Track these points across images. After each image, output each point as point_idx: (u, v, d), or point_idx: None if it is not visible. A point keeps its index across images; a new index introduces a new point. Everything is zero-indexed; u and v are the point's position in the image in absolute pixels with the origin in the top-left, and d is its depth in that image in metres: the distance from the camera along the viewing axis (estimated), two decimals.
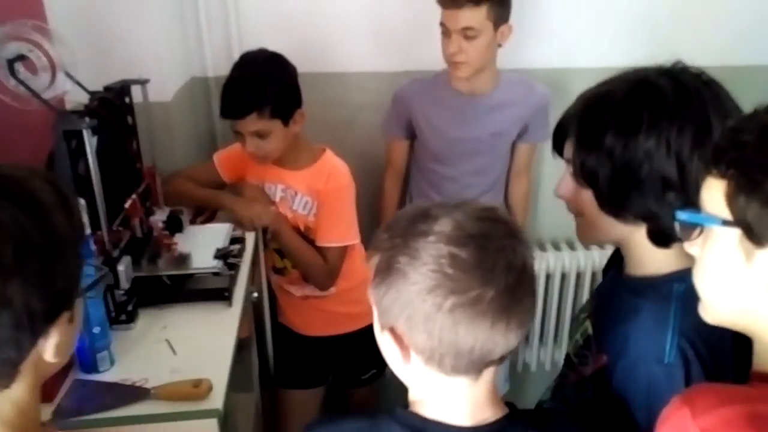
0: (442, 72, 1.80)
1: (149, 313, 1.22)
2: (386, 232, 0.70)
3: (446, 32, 1.65)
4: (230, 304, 1.25)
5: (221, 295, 1.24)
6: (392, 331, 0.68)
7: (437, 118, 1.81)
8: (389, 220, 0.73)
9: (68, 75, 1.16)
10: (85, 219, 0.97)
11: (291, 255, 1.66)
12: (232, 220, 1.56)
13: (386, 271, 0.67)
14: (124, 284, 1.07)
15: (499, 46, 1.70)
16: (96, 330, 1.02)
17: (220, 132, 1.98)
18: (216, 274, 1.26)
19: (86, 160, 1.08)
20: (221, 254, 1.28)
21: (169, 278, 1.25)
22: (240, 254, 1.38)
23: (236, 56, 1.64)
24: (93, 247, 0.99)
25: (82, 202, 0.95)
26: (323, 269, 1.65)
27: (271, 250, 1.70)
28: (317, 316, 1.77)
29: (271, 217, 1.59)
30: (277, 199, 1.67)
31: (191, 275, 1.27)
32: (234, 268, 1.28)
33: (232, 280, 1.27)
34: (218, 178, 1.72)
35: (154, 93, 1.47)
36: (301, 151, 1.65)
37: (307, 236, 1.66)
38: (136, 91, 1.38)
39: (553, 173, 2.08)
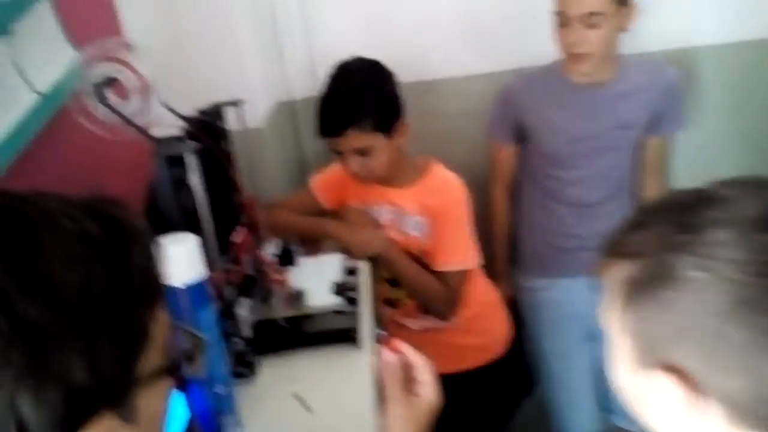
0: (554, 63, 1.60)
1: (269, 362, 1.05)
2: (639, 230, 0.50)
3: (565, 21, 1.45)
4: (358, 346, 1.06)
5: (347, 337, 1.06)
6: (671, 369, 0.47)
7: (554, 116, 1.60)
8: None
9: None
10: (200, 258, 0.81)
11: (406, 284, 1.47)
12: (340, 249, 1.39)
13: (656, 282, 0.46)
14: (246, 331, 0.91)
15: (625, 30, 1.49)
16: (220, 390, 0.85)
17: (310, 157, 1.84)
18: (338, 312, 1.08)
19: (190, 189, 0.93)
20: (340, 289, 1.10)
21: (286, 320, 1.08)
22: (357, 287, 1.20)
23: (321, 75, 1.50)
24: (210, 290, 0.83)
25: (193, 239, 0.80)
26: (444, 297, 1.45)
27: (381, 280, 1.51)
28: (441, 351, 1.54)
29: (381, 243, 1.41)
30: (385, 222, 1.49)
31: (312, 315, 1.10)
32: (354, 303, 1.10)
33: (356, 317, 1.09)
34: (317, 205, 1.57)
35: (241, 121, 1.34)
36: (406, 166, 1.47)
37: (421, 261, 1.47)
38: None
39: (689, 169, 1.84)
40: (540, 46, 1.58)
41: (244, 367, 0.99)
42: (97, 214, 0.42)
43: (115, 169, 1.10)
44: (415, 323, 1.56)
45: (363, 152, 1.36)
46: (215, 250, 0.92)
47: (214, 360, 0.83)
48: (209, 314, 0.82)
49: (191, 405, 0.85)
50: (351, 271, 1.22)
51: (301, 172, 1.83)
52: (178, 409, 0.82)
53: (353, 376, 1.01)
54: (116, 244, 0.41)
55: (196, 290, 0.79)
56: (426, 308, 1.51)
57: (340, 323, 1.09)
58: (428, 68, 1.82)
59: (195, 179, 0.89)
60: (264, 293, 1.16)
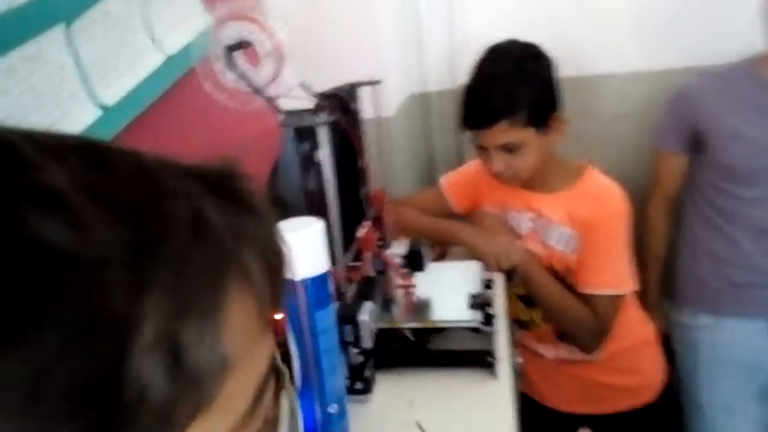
0: (744, 62, 1.34)
1: (386, 380, 0.90)
2: None
3: None
4: (495, 374, 0.88)
5: (483, 361, 0.89)
6: None
7: (740, 122, 1.33)
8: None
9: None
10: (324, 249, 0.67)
11: (545, 304, 1.27)
12: (471, 258, 1.22)
13: None
14: (367, 341, 0.76)
15: None
16: (333, 409, 0.71)
17: (439, 155, 1.68)
18: (472, 330, 0.91)
19: (317, 170, 0.80)
20: (478, 303, 0.93)
21: (412, 333, 0.93)
22: (494, 303, 1.01)
23: (461, 67, 1.34)
24: (331, 288, 0.69)
25: (318, 225, 0.66)
26: (590, 324, 1.23)
27: (513, 297, 1.32)
28: (574, 387, 1.35)
29: (519, 255, 1.22)
30: (525, 232, 1.30)
31: (439, 330, 0.93)
32: (491, 322, 0.92)
33: (493, 339, 0.91)
34: (446, 206, 1.41)
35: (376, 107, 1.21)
36: (556, 169, 1.28)
37: (565, 280, 1.26)
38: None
39: None
40: (720, 43, 1.33)
41: (360, 384, 0.84)
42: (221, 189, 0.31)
43: (238, 142, 1.00)
44: (549, 351, 1.35)
45: (511, 149, 1.18)
46: (339, 242, 0.78)
47: (329, 372, 0.69)
48: (329, 316, 0.68)
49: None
50: (488, 284, 1.04)
51: (430, 170, 1.68)
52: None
53: (487, 409, 0.83)
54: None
55: (317, 285, 0.65)
56: (565, 335, 1.29)
57: (474, 343, 0.91)
58: (585, 62, 1.61)
59: (325, 156, 0.76)
60: (385, 299, 1.01)
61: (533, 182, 1.27)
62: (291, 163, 0.78)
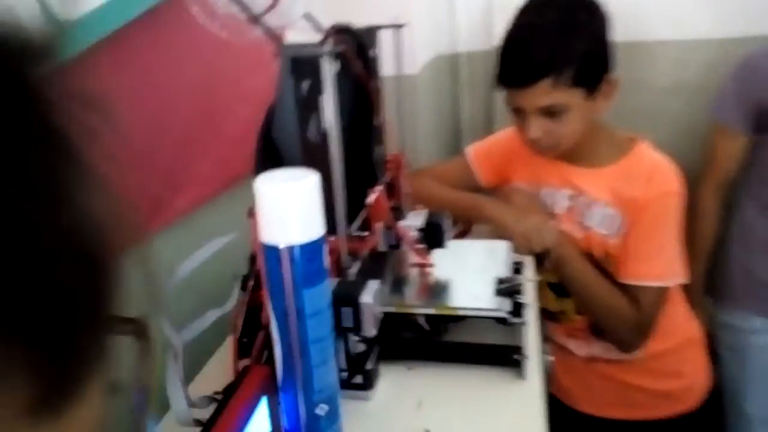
0: None
1: (392, 374, 0.76)
2: None
3: None
4: (522, 375, 0.74)
5: (509, 358, 0.74)
6: None
7: None
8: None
9: None
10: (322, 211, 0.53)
11: (579, 294, 1.11)
12: (497, 237, 1.07)
13: None
14: (369, 328, 0.61)
15: None
16: (321, 410, 0.56)
17: (466, 123, 1.52)
18: (500, 321, 0.76)
19: (318, 115, 0.65)
20: (506, 289, 0.78)
21: (427, 319, 0.78)
22: (524, 290, 0.86)
23: (499, 26, 1.17)
24: (326, 260, 0.54)
25: (312, 178, 0.51)
26: (631, 319, 1.07)
27: (543, 285, 1.16)
28: (607, 389, 1.19)
29: (553, 236, 1.06)
30: (561, 211, 1.14)
31: (459, 319, 0.78)
32: (521, 312, 0.77)
33: (522, 333, 0.76)
34: (471, 179, 1.25)
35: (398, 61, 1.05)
36: (602, 140, 1.11)
37: (605, 267, 1.10)
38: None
39: None
40: None
41: (359, 378, 0.70)
42: None
43: (230, 80, 0.85)
44: (581, 348, 1.19)
45: (552, 112, 1.02)
46: (342, 206, 0.64)
47: (318, 365, 0.55)
48: (321, 296, 0.54)
49: (278, 420, 0.58)
50: (517, 268, 0.88)
51: (454, 138, 1.52)
52: (259, 420, 0.55)
53: (512, 415, 0.68)
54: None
55: (307, 256, 0.51)
56: (601, 331, 1.14)
57: (500, 337, 0.77)
58: (638, 26, 1.42)
59: (329, 98, 0.61)
60: (396, 279, 0.86)
61: (574, 154, 1.11)
62: (288, 106, 0.63)
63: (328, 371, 0.57)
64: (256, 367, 0.59)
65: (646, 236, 1.07)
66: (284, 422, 0.58)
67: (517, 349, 0.73)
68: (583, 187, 1.11)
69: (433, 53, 1.46)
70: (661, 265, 1.07)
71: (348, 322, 0.61)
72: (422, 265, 0.87)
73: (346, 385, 0.70)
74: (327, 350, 0.56)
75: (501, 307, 0.75)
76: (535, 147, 1.09)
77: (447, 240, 0.85)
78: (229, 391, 0.57)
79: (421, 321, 0.77)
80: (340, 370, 0.68)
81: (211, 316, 0.62)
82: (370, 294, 0.61)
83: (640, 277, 1.07)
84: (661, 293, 1.08)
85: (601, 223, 1.10)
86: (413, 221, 0.84)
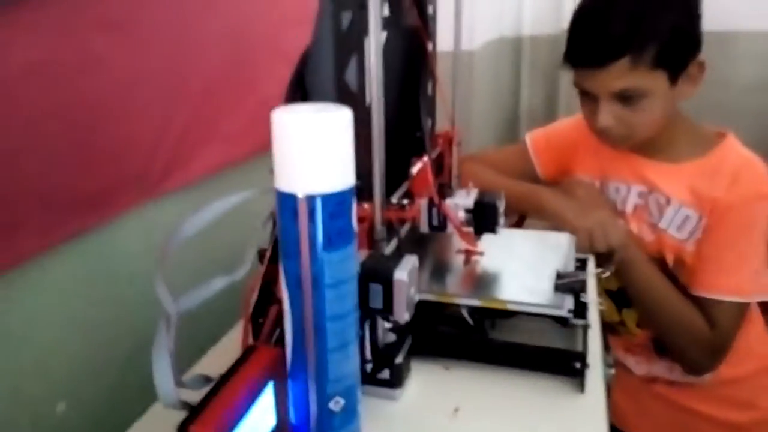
0: None
1: (425, 371, 0.65)
2: None
3: None
4: (582, 386, 0.62)
5: (567, 366, 0.62)
6: None
7: None
8: None
9: None
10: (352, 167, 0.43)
11: (645, 304, 0.98)
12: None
13: None
14: (402, 312, 0.51)
15: None
16: (335, 405, 0.46)
17: (526, 109, 1.39)
18: (559, 321, 0.64)
19: (361, 58, 0.55)
20: (568, 285, 0.66)
21: (470, 313, 0.67)
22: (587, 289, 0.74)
23: (568, 10, 1.05)
24: (354, 221, 0.44)
25: (345, 113, 0.41)
26: (704, 338, 0.93)
27: (601, 292, 1.03)
28: (666, 414, 1.05)
29: (620, 236, 0.93)
30: (630, 209, 1.01)
31: (509, 314, 0.67)
32: (584, 313, 0.65)
33: (585, 337, 0.64)
34: (529, 169, 1.13)
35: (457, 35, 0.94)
36: (684, 132, 0.98)
37: (676, 276, 0.97)
38: None
39: None
40: None
41: (387, 373, 0.59)
42: None
43: (265, 31, 0.76)
44: (641, 366, 1.06)
45: (628, 98, 0.90)
46: (381, 167, 0.53)
47: (336, 348, 0.45)
48: (346, 262, 0.43)
49: (284, 412, 0.48)
50: (581, 264, 0.76)
51: (512, 126, 1.40)
52: (261, 410, 0.46)
53: (567, 426, 0.56)
54: None
55: (331, 209, 0.41)
56: (666, 348, 1.00)
57: (557, 340, 0.65)
58: (723, 15, 1.27)
59: (375, 34, 0.51)
60: (438, 265, 0.76)
61: (649, 146, 0.98)
62: (325, 42, 0.53)
63: (347, 358, 0.46)
64: (264, 347, 0.50)
65: (727, 243, 0.93)
66: (291, 416, 0.48)
67: (579, 356, 0.61)
68: (657, 183, 0.98)
69: (496, 34, 1.35)
70: (743, 277, 0.93)
71: (376, 302, 0.51)
72: (469, 252, 0.76)
73: (370, 379, 0.59)
74: (348, 332, 0.45)
75: (561, 304, 0.63)
76: (605, 137, 0.96)
77: (500, 224, 0.73)
78: (229, 373, 0.47)
79: (464, 314, 0.66)
80: (364, 361, 0.57)
81: (218, 284, 0.53)
82: (406, 271, 0.50)
83: (717, 289, 0.93)
84: (741, 310, 0.94)
85: (675, 225, 0.96)
86: (462, 200, 0.73)
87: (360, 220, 0.56)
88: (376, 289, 0.50)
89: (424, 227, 0.73)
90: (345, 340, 0.45)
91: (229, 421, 0.43)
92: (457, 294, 0.67)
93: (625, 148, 0.99)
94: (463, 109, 1.01)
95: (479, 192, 0.75)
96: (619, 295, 1.00)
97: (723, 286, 0.93)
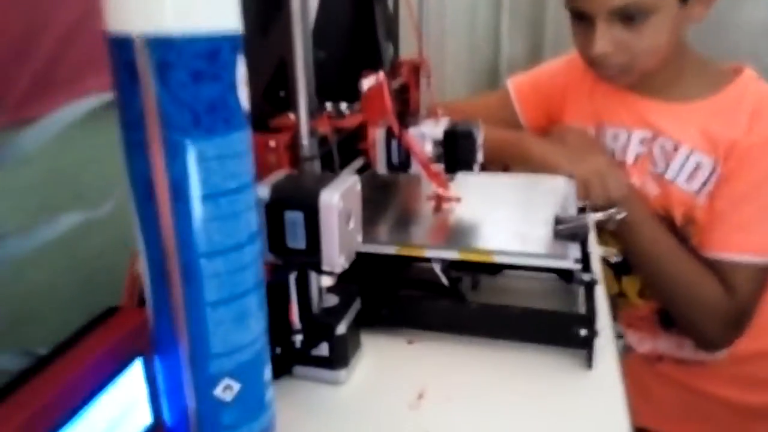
0: None
1: (381, 346, 0.49)
2: None
3: None
4: (590, 362, 0.46)
5: (571, 335, 0.46)
6: None
7: None
8: None
9: None
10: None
11: (648, 269, 0.82)
12: None
13: None
14: (334, 256, 0.34)
15: None
16: (225, 392, 0.29)
17: (506, 52, 1.23)
18: (563, 277, 0.49)
19: None
20: (571, 232, 0.50)
21: (444, 267, 0.50)
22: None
23: None
24: (242, 91, 0.27)
25: None
26: (719, 306, 0.78)
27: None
28: (674, 398, 0.90)
29: (621, 186, 0.78)
30: (632, 159, 0.85)
31: (494, 270, 0.51)
32: (588, 267, 0.49)
33: (592, 295, 0.48)
34: (511, 117, 0.98)
35: None
36: (690, 66, 0.83)
37: (686, 236, 0.82)
38: None
39: None
40: None
41: (324, 348, 0.43)
42: None
43: None
44: (645, 343, 0.91)
45: (631, 16, 0.74)
46: (306, 54, 0.37)
47: (222, 302, 0.28)
48: (231, 161, 0.27)
49: (158, 406, 0.32)
50: (581, 209, 0.60)
51: (491, 70, 1.23)
52: (123, 399, 0.29)
53: (573, 424, 0.41)
54: None
55: (195, 63, 0.24)
56: (674, 320, 0.85)
57: (555, 301, 0.49)
58: None
59: None
60: (400, 214, 0.60)
61: (653, 83, 0.82)
62: None
63: (242, 319, 0.30)
64: (128, 309, 0.33)
65: (746, 194, 0.78)
66: (164, 409, 0.31)
67: (585, 320, 0.45)
68: (662, 126, 0.83)
69: None
70: (766, 234, 0.78)
71: (295, 239, 0.34)
72: (441, 198, 0.60)
73: (302, 358, 0.43)
74: (241, 277, 0.29)
75: (565, 253, 0.47)
76: (602, 67, 0.81)
77: (477, 160, 0.57)
78: (65, 345, 0.30)
79: (437, 270, 0.50)
80: (290, 332, 0.40)
81: (68, 221, 0.36)
82: (338, 191, 0.34)
83: (735, 249, 0.78)
84: (762, 274, 0.79)
85: (685, 175, 0.81)
86: (429, 129, 0.57)
87: (278, 129, 0.39)
88: (294, 219, 0.34)
89: (380, 166, 0.57)
90: (236, 290, 0.29)
91: (48, 417, 0.27)
92: (425, 245, 0.51)
93: (623, 84, 0.83)
94: (434, 43, 0.85)
95: (450, 120, 0.59)
96: (621, 259, 0.85)
97: (741, 245, 0.78)
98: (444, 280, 0.50)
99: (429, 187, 0.60)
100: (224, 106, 0.26)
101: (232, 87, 0.26)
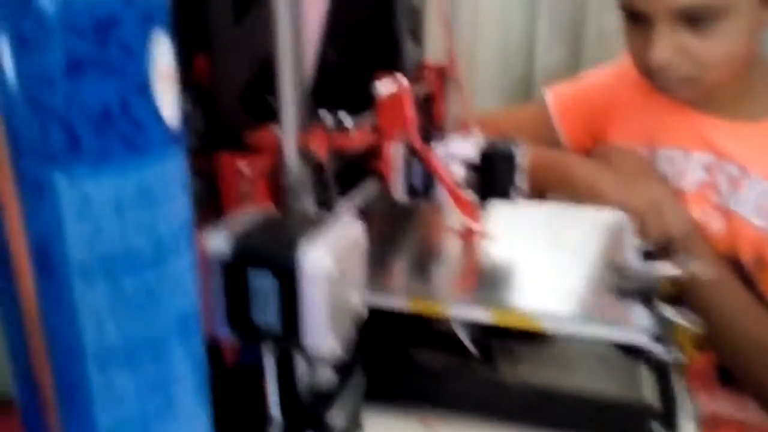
0: None
1: (388, 425, 0.38)
2: None
3: None
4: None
5: (640, 429, 0.34)
6: None
7: None
8: None
9: None
10: None
11: (712, 317, 0.70)
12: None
13: None
14: (321, 338, 0.23)
15: None
16: None
17: (540, 60, 1.10)
18: (631, 351, 0.37)
19: None
20: (639, 289, 0.38)
21: (474, 333, 0.39)
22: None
23: None
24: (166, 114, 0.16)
25: None
26: None
27: None
28: None
29: (682, 221, 0.67)
30: (691, 186, 0.73)
31: (534, 337, 0.39)
32: (669, 339, 0.38)
33: (666, 380, 0.37)
34: (550, 135, 0.86)
35: None
36: (764, 79, 0.71)
37: (755, 280, 0.69)
38: None
39: None
40: None
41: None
42: None
43: None
44: (709, 400, 0.78)
45: (698, 18, 0.63)
46: (293, 47, 0.26)
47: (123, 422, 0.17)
48: (156, 205, 0.16)
49: None
50: (647, 254, 0.48)
51: (525, 81, 1.11)
52: None
53: None
54: None
55: (112, 33, 0.14)
56: (738, 377, 0.73)
57: (611, 379, 0.38)
58: None
59: None
60: (419, 252, 0.48)
61: (718, 99, 0.70)
62: None
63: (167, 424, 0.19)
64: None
65: None
66: None
67: (662, 416, 0.34)
68: (727, 149, 0.70)
69: None
70: None
71: (266, 313, 0.23)
72: (470, 232, 0.49)
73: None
74: (163, 390, 0.18)
75: (635, 322, 0.36)
76: (661, 78, 0.69)
77: (517, 186, 0.46)
78: None
79: (461, 336, 0.39)
80: (265, 425, 0.29)
81: None
82: (329, 246, 0.23)
83: None
84: None
85: (755, 207, 0.69)
86: (459, 148, 0.46)
87: (256, 148, 0.28)
88: (262, 285, 0.23)
89: (397, 190, 0.46)
90: (152, 405, 0.18)
91: None
92: (449, 300, 0.40)
93: (685, 97, 0.71)
94: (464, 56, 0.74)
95: (486, 139, 0.47)
96: (680, 298, 0.73)
97: None
98: (471, 347, 0.39)
99: (456, 219, 0.49)
100: (126, 118, 0.15)
101: (142, 85, 0.15)
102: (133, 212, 0.16)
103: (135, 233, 0.16)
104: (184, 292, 0.18)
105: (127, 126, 0.15)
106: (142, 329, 0.17)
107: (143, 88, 0.15)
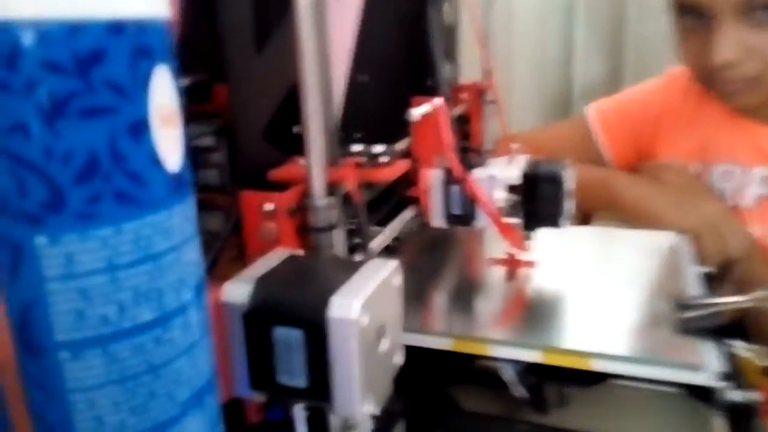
0: None
1: None
2: None
3: None
4: None
5: None
6: None
7: None
8: None
9: None
10: None
11: None
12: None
13: None
14: (357, 407, 0.20)
15: None
16: None
17: (580, 76, 1.07)
18: (699, 394, 0.33)
19: None
20: (703, 322, 0.35)
21: (520, 374, 0.36)
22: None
23: None
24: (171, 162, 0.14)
25: None
26: None
27: None
28: None
29: (741, 240, 0.62)
30: (748, 202, 0.69)
31: (596, 377, 0.36)
32: (741, 380, 0.34)
33: (742, 428, 0.33)
34: (592, 152, 0.82)
35: None
36: None
37: None
38: None
39: None
40: None
41: None
42: None
43: None
44: None
45: (762, 10, 0.59)
46: (322, 64, 0.24)
47: None
48: (160, 270, 0.13)
49: None
50: (711, 279, 0.45)
51: (563, 96, 1.07)
52: None
53: None
54: None
55: (101, 66, 0.11)
56: None
57: (682, 419, 0.34)
58: None
59: None
60: (459, 283, 0.45)
61: None
62: None
63: None
64: None
65: None
66: None
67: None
68: None
69: None
70: None
71: (292, 371, 0.21)
72: (515, 262, 0.45)
73: None
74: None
75: (701, 362, 0.32)
76: (725, 80, 0.64)
77: (565, 213, 0.43)
78: None
79: (508, 377, 0.35)
80: None
81: None
82: (360, 297, 0.20)
83: None
84: None
85: None
86: (501, 171, 0.43)
87: (281, 184, 0.26)
88: (288, 340, 0.20)
89: (436, 217, 0.43)
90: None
91: None
92: (493, 338, 0.36)
93: (747, 102, 0.66)
94: (500, 70, 0.71)
95: (530, 159, 0.44)
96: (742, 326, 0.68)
97: None
98: (520, 389, 0.35)
99: (499, 247, 0.46)
100: (117, 167, 0.13)
101: (136, 129, 0.13)
102: (128, 272, 0.14)
103: (131, 296, 0.14)
104: (195, 362, 0.16)
105: (118, 176, 0.13)
106: (144, 411, 0.15)
107: (137, 132, 0.13)
